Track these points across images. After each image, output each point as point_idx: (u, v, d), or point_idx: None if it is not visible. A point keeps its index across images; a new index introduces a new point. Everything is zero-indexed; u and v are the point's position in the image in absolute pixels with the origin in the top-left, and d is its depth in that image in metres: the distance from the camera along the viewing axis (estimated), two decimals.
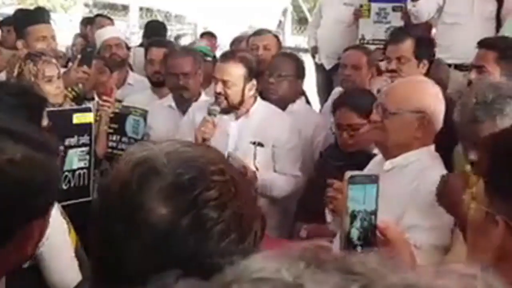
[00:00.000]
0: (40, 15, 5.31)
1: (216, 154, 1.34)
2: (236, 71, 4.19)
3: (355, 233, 1.72)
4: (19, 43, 4.99)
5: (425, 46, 4.78)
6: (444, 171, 3.16)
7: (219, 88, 4.19)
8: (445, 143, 3.30)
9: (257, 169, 4.10)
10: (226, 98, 4.19)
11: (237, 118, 4.31)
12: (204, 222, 1.20)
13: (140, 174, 1.23)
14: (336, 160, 3.95)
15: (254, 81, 4.24)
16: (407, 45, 4.69)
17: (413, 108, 3.07)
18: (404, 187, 3.00)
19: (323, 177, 3.23)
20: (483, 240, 1.35)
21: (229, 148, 4.17)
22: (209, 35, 8.05)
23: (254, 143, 4.21)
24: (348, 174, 1.71)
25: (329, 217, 3.20)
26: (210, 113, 4.18)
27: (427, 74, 4.56)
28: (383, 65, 4.85)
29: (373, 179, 1.75)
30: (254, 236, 1.26)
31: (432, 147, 3.16)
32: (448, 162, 3.36)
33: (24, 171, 1.67)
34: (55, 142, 2.13)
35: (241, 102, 4.23)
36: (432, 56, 4.87)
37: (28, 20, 5.12)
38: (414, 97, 3.11)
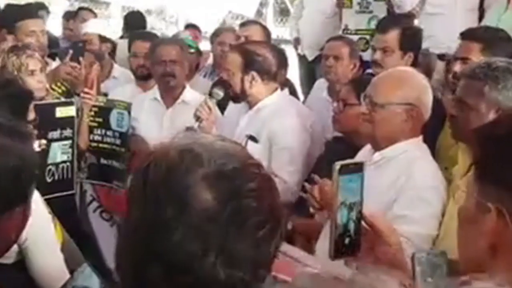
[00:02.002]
0: (29, 10, 5.33)
1: (246, 150, 1.41)
2: (233, 61, 4.22)
3: (351, 225, 1.70)
4: (9, 38, 4.99)
5: (411, 37, 4.72)
6: (432, 161, 3.17)
7: (224, 75, 4.28)
8: (430, 132, 3.30)
9: None
10: (231, 86, 4.21)
11: (250, 107, 4.29)
12: (245, 211, 1.26)
13: (187, 160, 1.28)
14: (334, 155, 3.89)
15: (253, 74, 4.17)
16: (393, 36, 4.63)
17: (401, 100, 3.05)
18: (393, 178, 2.99)
19: (320, 172, 3.23)
20: (474, 229, 1.36)
21: (234, 138, 4.13)
22: (192, 27, 8.03)
23: (247, 136, 4.15)
24: (338, 164, 1.68)
25: (312, 208, 3.21)
26: (211, 95, 4.21)
27: (413, 65, 4.47)
28: (370, 55, 4.79)
29: (361, 167, 1.72)
30: (281, 230, 1.33)
31: (420, 138, 3.15)
32: (433, 152, 3.37)
33: None
34: (27, 127, 2.12)
35: (242, 92, 4.20)
36: (418, 48, 4.80)
37: (18, 15, 5.14)
38: (402, 89, 3.08)
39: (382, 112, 3.06)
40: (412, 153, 3.09)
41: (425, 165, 3.08)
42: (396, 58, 4.57)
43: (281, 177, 4.04)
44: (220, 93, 4.21)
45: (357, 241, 1.73)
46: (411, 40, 4.70)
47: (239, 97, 4.24)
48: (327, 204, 3.07)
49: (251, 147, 4.07)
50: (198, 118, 4.09)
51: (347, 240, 1.71)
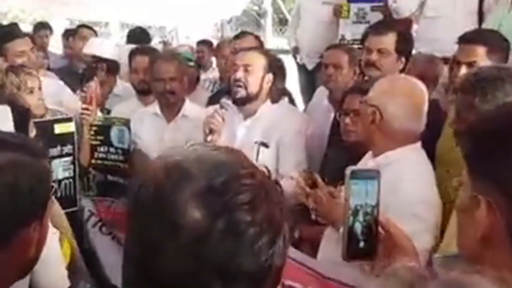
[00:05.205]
0: (14, 31, 5.31)
1: (244, 157, 1.35)
2: (258, 59, 4.24)
3: (358, 228, 1.73)
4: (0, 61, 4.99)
5: (406, 42, 4.72)
6: (425, 171, 3.11)
7: (239, 74, 4.20)
8: (429, 136, 3.29)
9: None
10: (245, 86, 4.19)
11: (245, 118, 4.30)
12: (238, 225, 1.21)
13: (174, 177, 1.24)
14: (338, 161, 3.85)
15: (270, 75, 4.24)
16: (390, 38, 4.62)
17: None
18: (386, 187, 2.94)
19: (324, 178, 3.22)
20: (469, 220, 1.38)
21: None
22: (203, 43, 8.07)
23: (258, 142, 4.18)
24: (349, 169, 1.73)
25: (313, 215, 3.21)
26: (221, 106, 4.16)
27: (403, 70, 4.52)
28: (363, 57, 4.75)
29: (374, 174, 1.77)
30: (283, 238, 1.28)
31: (418, 144, 3.12)
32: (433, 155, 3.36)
33: (9, 176, 1.68)
34: (40, 145, 2.12)
35: (259, 92, 4.22)
36: (409, 54, 4.78)
37: (4, 37, 5.12)
38: (373, 91, 3.14)
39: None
40: (404, 161, 3.05)
41: (415, 178, 3.02)
42: (392, 61, 4.57)
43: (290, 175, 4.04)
44: (229, 102, 4.19)
45: (373, 245, 1.77)
46: (405, 45, 4.70)
47: (252, 98, 4.23)
48: (324, 213, 3.07)
49: (264, 154, 4.15)
50: (211, 131, 4.04)
51: (361, 244, 1.74)
